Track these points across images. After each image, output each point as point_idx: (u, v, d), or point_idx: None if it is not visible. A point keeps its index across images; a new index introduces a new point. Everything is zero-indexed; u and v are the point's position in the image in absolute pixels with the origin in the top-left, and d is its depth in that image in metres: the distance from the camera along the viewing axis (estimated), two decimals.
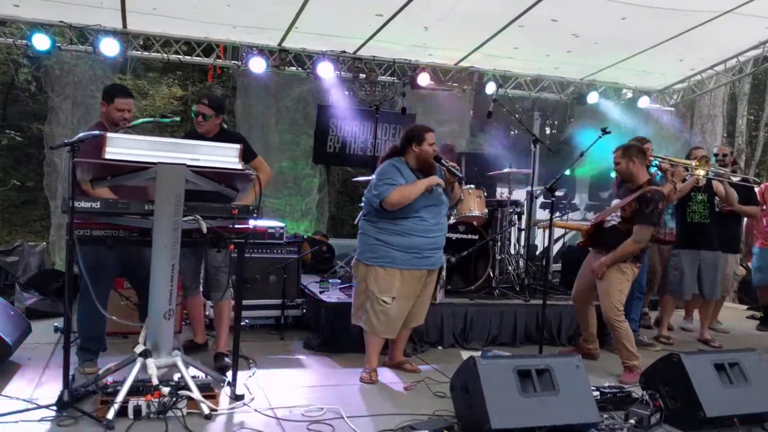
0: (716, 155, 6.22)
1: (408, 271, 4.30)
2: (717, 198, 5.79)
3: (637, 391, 3.84)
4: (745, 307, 8.45)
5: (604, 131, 4.61)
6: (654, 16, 6.56)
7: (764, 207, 6.53)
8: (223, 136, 4.55)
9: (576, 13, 6.62)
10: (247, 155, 4.63)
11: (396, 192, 4.20)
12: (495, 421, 3.10)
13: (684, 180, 5.46)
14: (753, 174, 17.26)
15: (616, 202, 4.89)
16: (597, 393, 3.75)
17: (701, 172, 5.49)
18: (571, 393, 3.35)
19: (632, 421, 3.50)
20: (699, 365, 3.61)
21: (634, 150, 4.77)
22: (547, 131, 15.11)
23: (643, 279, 5.76)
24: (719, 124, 11.99)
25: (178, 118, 4.33)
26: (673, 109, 9.83)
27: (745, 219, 6.75)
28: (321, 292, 5.56)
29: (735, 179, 5.80)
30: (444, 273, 5.17)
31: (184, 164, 3.44)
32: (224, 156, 3.59)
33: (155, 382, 3.41)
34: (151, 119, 4.30)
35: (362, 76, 8.16)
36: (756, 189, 6.62)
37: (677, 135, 12.00)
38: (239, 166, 3.59)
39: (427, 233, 4.33)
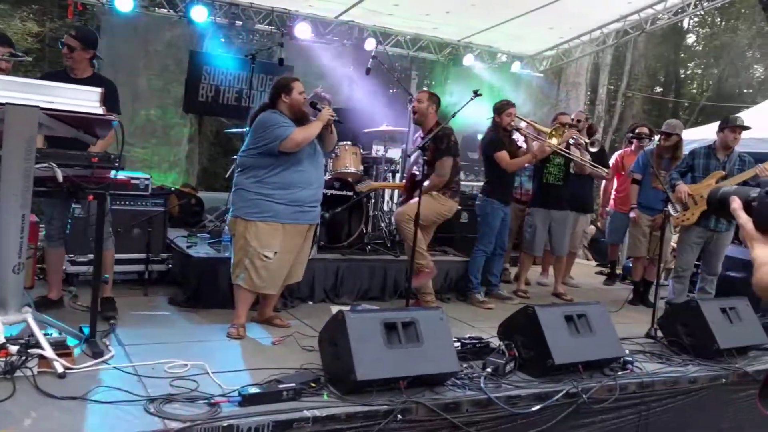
0: (572, 120, 6.59)
1: (291, 225, 4.28)
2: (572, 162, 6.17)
3: (495, 342, 4.05)
4: (594, 263, 9.11)
5: (476, 93, 4.74)
6: None
7: (623, 172, 7.03)
8: (93, 80, 4.30)
9: None
10: (110, 106, 4.40)
11: (299, 131, 4.17)
12: (360, 373, 3.16)
13: (543, 152, 5.89)
14: (609, 140, 18.47)
15: (415, 154, 5.37)
16: (458, 344, 3.93)
17: (554, 141, 5.85)
18: (434, 344, 3.48)
19: (489, 370, 3.69)
20: (550, 317, 3.86)
21: (436, 99, 5.34)
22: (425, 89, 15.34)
23: (505, 236, 6.07)
24: (582, 91, 12.68)
25: (29, 58, 4.00)
26: (542, 75, 10.26)
27: (603, 182, 7.25)
28: (189, 247, 5.40)
29: (575, 154, 6.14)
30: (317, 229, 5.20)
31: (37, 106, 3.19)
32: (83, 99, 3.35)
33: (1, 340, 3.19)
34: None
35: (238, 23, 7.89)
36: (616, 154, 7.13)
37: (545, 100, 12.58)
38: (100, 111, 3.37)
39: (308, 185, 4.31)
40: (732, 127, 5.49)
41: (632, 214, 6.46)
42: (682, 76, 24.68)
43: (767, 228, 1.34)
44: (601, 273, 8.33)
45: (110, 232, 4.48)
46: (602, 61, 17.35)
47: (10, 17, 12.42)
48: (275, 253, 4.23)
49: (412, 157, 5.55)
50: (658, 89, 24.17)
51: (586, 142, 6.16)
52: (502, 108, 5.87)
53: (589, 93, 17.88)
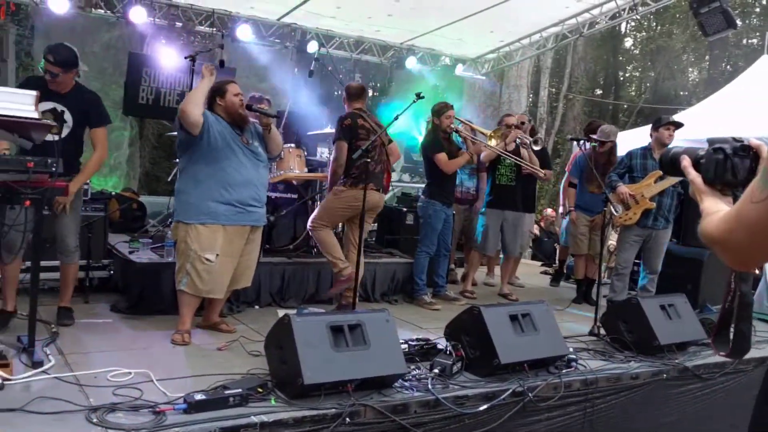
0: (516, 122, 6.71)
1: (231, 226, 4.23)
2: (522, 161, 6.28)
3: (442, 343, 4.09)
4: (539, 263, 9.30)
5: (419, 96, 4.79)
6: None
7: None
8: (76, 92, 4.33)
9: None
10: (93, 119, 4.34)
11: (184, 100, 4.18)
12: (308, 377, 3.15)
13: (479, 152, 6.05)
14: (552, 141, 18.89)
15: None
16: (405, 345, 3.96)
17: (493, 143, 5.98)
18: (381, 346, 3.49)
19: (436, 371, 3.72)
20: (496, 316, 3.92)
21: (350, 91, 5.43)
22: (370, 93, 15.42)
23: (449, 237, 6.15)
24: (524, 94, 12.93)
25: None
26: (484, 77, 10.42)
27: (563, 183, 7.39)
28: (130, 252, 5.28)
29: (524, 155, 6.28)
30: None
31: None
32: (18, 103, 3.26)
33: None
34: None
35: (179, 24, 7.76)
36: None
37: (489, 102, 12.79)
38: (35, 115, 3.28)
39: (248, 185, 4.27)
40: (666, 124, 5.69)
41: (571, 216, 6.63)
42: (621, 78, 25.42)
43: (714, 182, 1.44)
44: (545, 273, 8.51)
45: (77, 246, 4.42)
46: (543, 63, 17.74)
47: None
48: (217, 255, 4.18)
49: None
50: (598, 91, 24.85)
51: (529, 141, 6.29)
52: (440, 110, 5.94)
53: (531, 95, 18.27)
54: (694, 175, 1.49)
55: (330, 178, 5.25)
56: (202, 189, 4.18)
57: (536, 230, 9.71)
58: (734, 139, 1.44)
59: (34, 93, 3.30)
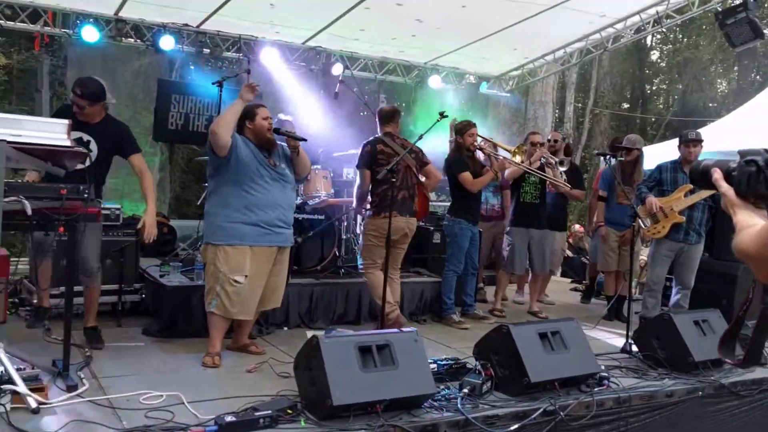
0: (548, 140, 6.69)
1: (258, 247, 4.27)
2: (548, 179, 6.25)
3: (472, 362, 4.07)
4: (569, 280, 9.20)
5: (442, 115, 4.81)
6: (491, 6, 6.93)
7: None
8: (105, 124, 4.49)
9: None
10: (125, 149, 4.51)
11: (214, 121, 4.25)
12: (336, 397, 3.17)
13: (503, 168, 5.98)
14: (579, 157, 18.76)
15: None
16: (434, 365, 3.95)
17: (518, 159, 5.96)
18: (410, 366, 3.49)
19: (466, 390, 3.71)
20: (525, 335, 3.89)
21: (380, 114, 5.44)
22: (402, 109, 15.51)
23: (476, 256, 6.12)
24: (549, 110, 12.90)
25: None
26: (509, 95, 10.42)
27: (589, 200, 7.35)
28: (161, 276, 5.36)
29: (548, 173, 6.24)
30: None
31: (5, 140, 3.18)
32: (51, 132, 3.35)
33: None
34: None
35: (206, 51, 7.91)
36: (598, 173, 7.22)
37: (514, 119, 12.78)
38: (67, 143, 3.37)
39: (274, 207, 4.32)
40: (685, 142, 5.64)
41: (601, 231, 6.57)
42: (648, 91, 25.19)
43: (747, 195, 1.41)
44: (575, 290, 8.41)
45: (99, 267, 4.50)
46: (568, 79, 17.68)
47: None
48: (245, 276, 4.22)
49: None
50: (625, 105, 24.64)
51: (555, 161, 6.26)
52: (463, 129, 5.93)
53: (557, 111, 18.19)
54: (726, 188, 1.46)
55: (355, 204, 5.29)
56: (229, 211, 4.24)
57: (566, 247, 9.62)
58: (766, 150, 1.42)
59: (66, 122, 3.39)
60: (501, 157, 6.06)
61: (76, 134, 4.32)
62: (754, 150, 1.43)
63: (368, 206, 5.26)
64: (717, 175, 1.48)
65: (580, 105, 21.24)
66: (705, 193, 5.42)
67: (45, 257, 4.50)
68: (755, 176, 1.39)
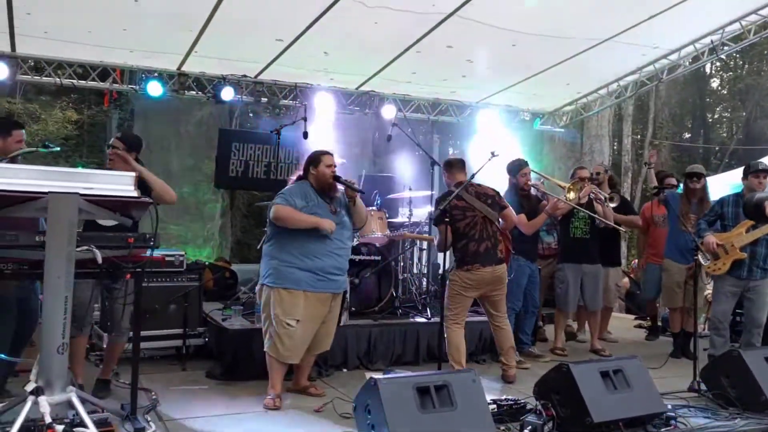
0: (591, 173, 6.60)
1: (312, 293, 4.35)
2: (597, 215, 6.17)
3: (532, 402, 4.01)
4: (632, 317, 8.96)
5: (493, 154, 4.84)
6: (541, 43, 6.95)
7: (652, 224, 7.01)
8: None
9: (469, 39, 6.90)
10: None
11: (286, 209, 4.30)
12: None
13: (555, 210, 5.88)
14: (639, 189, 18.39)
15: None
16: (494, 406, 3.91)
17: (572, 195, 5.89)
18: (469, 407, 3.48)
19: (527, 431, 3.66)
20: (586, 373, 3.82)
21: (449, 164, 5.33)
22: (450, 151, 15.56)
23: (536, 293, 6.06)
24: (606, 143, 12.73)
25: (58, 148, 4.26)
26: (563, 130, 10.35)
27: (638, 234, 7.21)
28: (223, 320, 5.50)
29: (598, 209, 6.18)
30: (348, 295, 5.26)
31: (77, 193, 3.37)
32: (119, 184, 3.53)
33: (48, 420, 3.27)
34: (32, 149, 4.22)
35: (264, 100, 8.18)
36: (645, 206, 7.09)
37: (569, 154, 12.66)
38: (134, 194, 3.54)
39: (330, 255, 4.40)
40: (755, 172, 5.40)
41: (664, 264, 6.41)
42: (710, 120, 24.60)
43: None
44: (639, 326, 8.19)
45: (127, 328, 4.47)
46: (625, 111, 17.45)
47: (50, 107, 13.04)
48: (297, 321, 4.30)
49: None
50: (687, 135, 24.11)
51: (605, 197, 6.18)
52: (515, 169, 5.88)
53: (615, 144, 17.94)
54: None
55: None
56: (286, 256, 4.35)
57: (626, 283, 9.40)
58: None
59: (133, 174, 3.57)
60: (555, 199, 5.97)
61: None
62: None
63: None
64: None
65: (638, 137, 20.90)
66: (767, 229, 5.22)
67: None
68: None
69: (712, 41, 7.27)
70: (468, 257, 5.01)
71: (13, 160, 3.94)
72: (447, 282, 5.09)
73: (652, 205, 7.13)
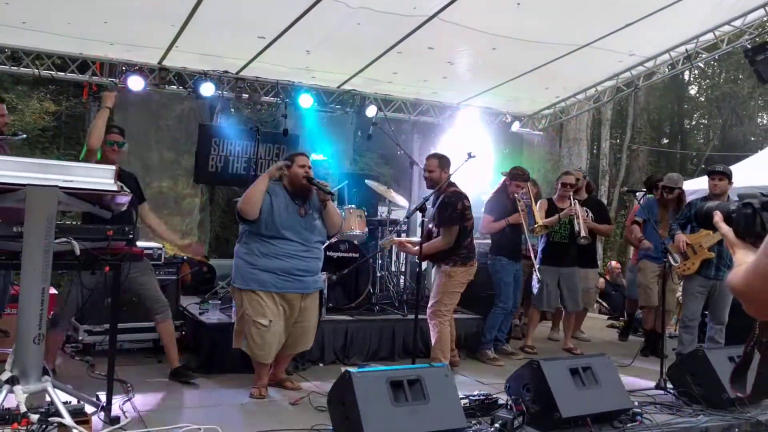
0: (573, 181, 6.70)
1: (279, 294, 4.40)
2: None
3: (503, 397, 4.11)
4: (605, 317, 9.12)
5: (470, 155, 4.92)
6: (521, 48, 7.05)
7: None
8: (122, 172, 4.67)
9: (450, 42, 6.99)
10: (140, 196, 4.86)
11: (243, 198, 4.37)
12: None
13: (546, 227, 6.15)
14: (617, 193, 18.64)
15: (430, 211, 5.26)
16: (466, 400, 4.00)
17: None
18: (441, 401, 3.56)
19: (497, 425, 3.75)
20: (556, 370, 3.93)
21: (446, 161, 5.33)
22: (431, 151, 15.67)
23: (518, 293, 6.19)
24: (584, 147, 12.92)
25: (24, 135, 4.28)
26: (542, 133, 10.48)
27: (626, 236, 7.31)
28: (201, 314, 5.53)
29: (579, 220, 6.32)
30: (325, 292, 5.32)
31: (57, 186, 3.39)
32: (98, 177, 3.56)
33: (23, 409, 3.30)
34: (3, 137, 4.24)
35: (245, 96, 8.18)
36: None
37: (548, 156, 12.82)
38: (114, 188, 3.57)
39: (295, 256, 4.42)
40: (710, 174, 5.66)
41: (640, 264, 6.55)
42: (687, 126, 24.95)
43: (744, 236, 1.51)
44: (612, 326, 8.34)
45: (167, 304, 4.73)
46: (603, 115, 17.68)
47: (28, 98, 12.90)
48: (270, 321, 4.35)
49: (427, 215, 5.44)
50: (665, 141, 24.44)
51: (587, 214, 6.37)
52: (515, 177, 6.05)
53: (595, 148, 18.15)
54: (726, 230, 1.56)
55: (431, 255, 5.23)
56: (253, 257, 4.40)
57: (602, 283, 9.56)
58: (762, 194, 1.51)
59: (113, 167, 3.60)
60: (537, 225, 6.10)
61: None
62: (752, 193, 1.52)
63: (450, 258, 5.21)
64: (717, 217, 1.59)
65: (618, 141, 21.16)
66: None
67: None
68: (751, 218, 1.49)
69: (687, 50, 7.43)
70: (471, 254, 5.26)
71: None
72: (439, 279, 5.19)
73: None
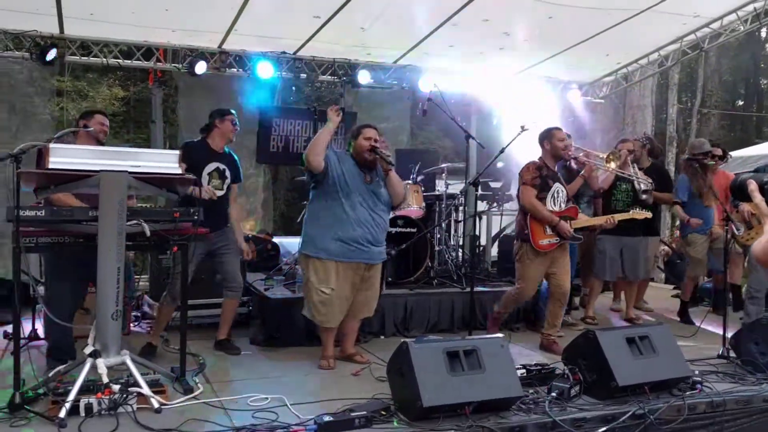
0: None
1: (344, 263, 4.51)
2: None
3: (560, 367, 4.15)
4: (671, 286, 8.93)
5: (523, 128, 4.91)
6: (578, 15, 6.93)
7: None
8: (230, 153, 5.16)
9: (505, 12, 6.94)
10: (238, 175, 5.19)
11: (308, 147, 4.52)
12: (426, 399, 3.36)
13: (593, 172, 5.89)
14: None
15: None
16: (523, 370, 4.06)
17: (612, 165, 5.88)
18: (497, 371, 3.63)
19: (554, 394, 3.80)
20: (612, 340, 3.93)
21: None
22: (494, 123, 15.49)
23: (573, 264, 6.11)
24: (649, 113, 12.54)
25: (92, 128, 4.48)
26: (603, 101, 10.26)
27: None
28: (266, 290, 5.74)
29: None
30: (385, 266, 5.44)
31: (126, 171, 3.61)
32: (164, 162, 3.76)
33: (105, 380, 3.56)
34: (67, 130, 4.50)
35: (303, 76, 8.34)
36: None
37: (610, 126, 12.51)
38: (179, 171, 3.77)
39: (362, 225, 4.51)
40: None
41: (687, 238, 6.41)
42: (765, 87, 23.79)
43: None
44: (677, 296, 8.16)
45: (240, 283, 5.05)
46: (671, 80, 17.08)
47: (98, 84, 13.45)
48: (332, 289, 4.49)
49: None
50: (740, 102, 23.40)
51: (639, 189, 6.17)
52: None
53: (663, 114, 17.55)
54: (759, 199, 1.57)
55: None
56: (320, 225, 4.54)
57: (668, 252, 9.34)
58: None
59: (177, 152, 3.80)
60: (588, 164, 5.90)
61: (213, 165, 4.90)
62: None
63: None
64: (753, 186, 1.59)
65: (689, 105, 20.40)
66: None
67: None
68: None
69: (755, 8, 7.14)
70: None
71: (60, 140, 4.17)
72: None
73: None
